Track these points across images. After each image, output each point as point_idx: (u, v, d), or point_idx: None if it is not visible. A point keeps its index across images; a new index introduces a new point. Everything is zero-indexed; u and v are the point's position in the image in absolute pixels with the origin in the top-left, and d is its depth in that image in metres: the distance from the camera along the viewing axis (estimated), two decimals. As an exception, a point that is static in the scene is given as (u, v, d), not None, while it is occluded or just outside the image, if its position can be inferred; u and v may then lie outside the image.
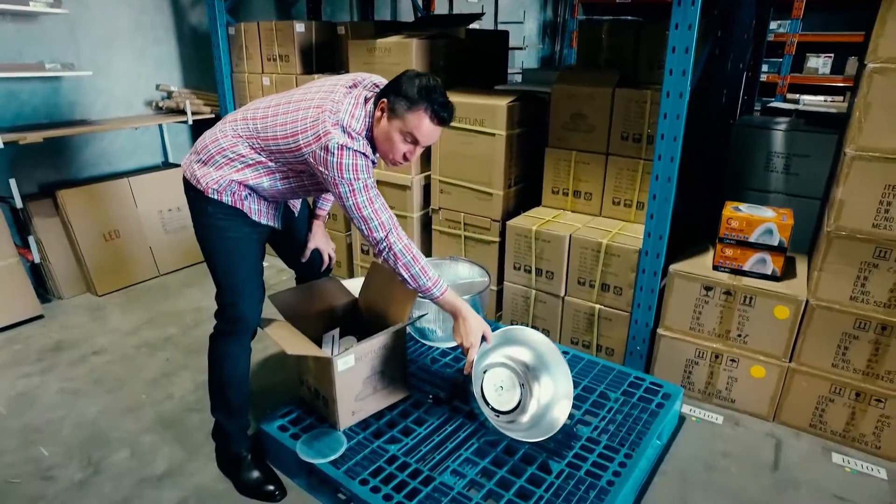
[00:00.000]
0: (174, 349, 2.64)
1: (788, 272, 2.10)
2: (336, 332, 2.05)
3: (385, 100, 1.55)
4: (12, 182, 2.78)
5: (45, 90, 3.01)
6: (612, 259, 2.25)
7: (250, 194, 1.68)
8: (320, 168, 1.54)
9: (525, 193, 2.69)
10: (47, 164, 3.10)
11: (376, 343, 1.84)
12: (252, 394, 2.26)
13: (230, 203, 1.65)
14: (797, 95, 5.00)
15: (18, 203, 2.84)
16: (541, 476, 1.67)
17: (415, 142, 1.57)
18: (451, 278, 2.43)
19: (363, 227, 1.59)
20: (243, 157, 1.64)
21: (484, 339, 1.71)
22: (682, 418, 2.14)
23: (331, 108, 1.53)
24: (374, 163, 1.62)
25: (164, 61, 3.51)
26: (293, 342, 1.76)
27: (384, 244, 1.59)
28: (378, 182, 2.87)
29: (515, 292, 2.57)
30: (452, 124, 2.55)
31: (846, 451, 1.97)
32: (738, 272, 2.09)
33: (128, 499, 1.79)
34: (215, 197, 1.64)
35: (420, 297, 1.71)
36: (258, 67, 3.28)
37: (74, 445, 2.02)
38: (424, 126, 1.54)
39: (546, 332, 2.55)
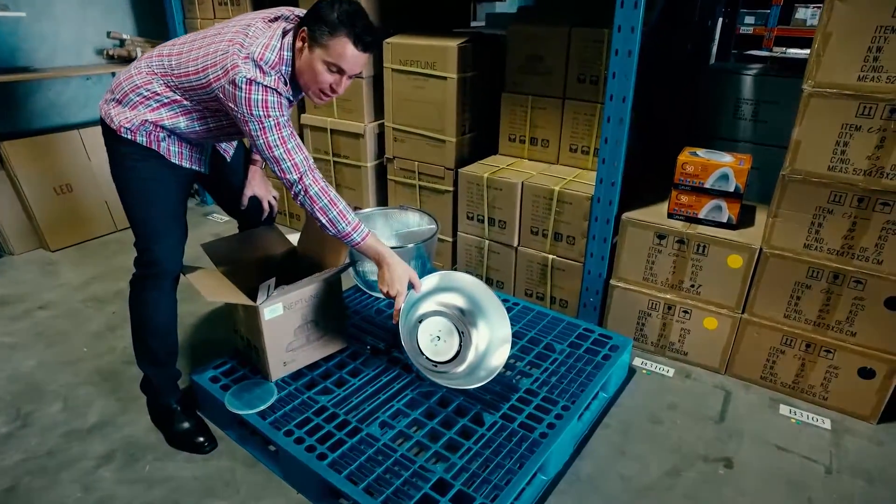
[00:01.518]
0: (123, 303, 2.54)
1: (745, 220, 2.01)
2: (272, 281, 1.95)
3: (305, 29, 1.44)
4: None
5: (-18, 34, 2.85)
6: (564, 207, 2.16)
7: (168, 136, 1.59)
8: (230, 104, 1.45)
9: (481, 141, 2.58)
10: (-11, 114, 2.97)
11: (306, 291, 1.76)
12: (194, 345, 2.23)
13: (145, 144, 1.56)
14: (784, 48, 4.83)
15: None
16: (473, 428, 1.62)
17: (340, 71, 1.47)
18: (399, 227, 2.34)
19: (275, 168, 1.50)
20: (158, 95, 1.54)
21: (412, 286, 1.63)
22: (632, 370, 2.08)
23: (243, 41, 1.43)
24: (290, 100, 1.52)
25: (115, 8, 3.34)
26: (215, 289, 1.68)
27: (299, 186, 1.51)
28: (331, 131, 2.76)
29: (469, 243, 2.48)
30: (405, 68, 2.45)
31: (794, 403, 1.92)
32: (693, 220, 2.01)
33: (52, 452, 1.74)
34: (128, 137, 1.55)
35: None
36: (210, 13, 3.12)
37: (4, 399, 1.96)
38: (348, 53, 1.44)
39: (500, 284, 2.47)
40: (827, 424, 1.82)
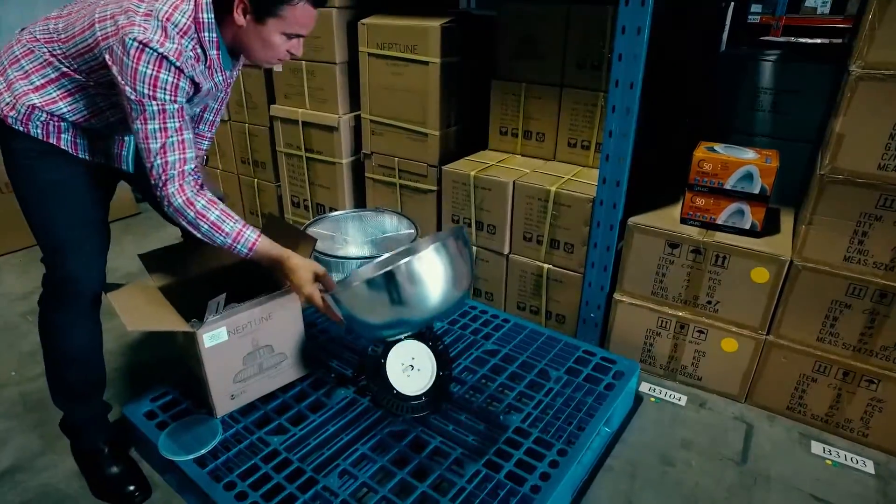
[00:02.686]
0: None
1: (771, 227, 1.74)
2: (221, 298, 1.68)
3: (243, 3, 1.18)
4: None
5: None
6: (562, 210, 1.89)
7: (70, 126, 1.29)
8: (114, 70, 1.14)
9: (469, 135, 2.30)
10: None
11: (257, 312, 1.49)
12: (132, 369, 1.94)
13: (41, 137, 1.26)
14: (792, 38, 4.55)
15: None
16: (451, 480, 1.34)
17: (298, 36, 1.27)
18: (374, 233, 2.06)
19: (145, 163, 1.22)
20: (42, 68, 1.23)
21: (323, 282, 1.38)
22: (639, 398, 1.81)
23: None
24: (197, 84, 1.24)
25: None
26: (142, 313, 1.40)
27: (161, 193, 1.23)
28: (303, 124, 2.47)
29: (456, 251, 2.21)
30: (382, 52, 2.17)
31: (828, 440, 1.65)
32: (711, 226, 1.74)
33: (-48, 506, 1.47)
34: (19, 128, 1.25)
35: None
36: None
37: None
38: (310, 17, 1.24)
39: (489, 296, 2.20)
40: (870, 467, 1.56)
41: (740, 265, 1.65)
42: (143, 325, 1.34)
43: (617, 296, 1.87)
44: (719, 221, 1.72)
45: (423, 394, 1.52)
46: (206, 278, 1.71)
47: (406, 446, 1.44)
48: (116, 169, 1.42)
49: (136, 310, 1.40)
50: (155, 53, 1.11)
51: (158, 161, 1.20)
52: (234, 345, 1.47)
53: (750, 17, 5.02)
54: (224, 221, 1.28)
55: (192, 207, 1.24)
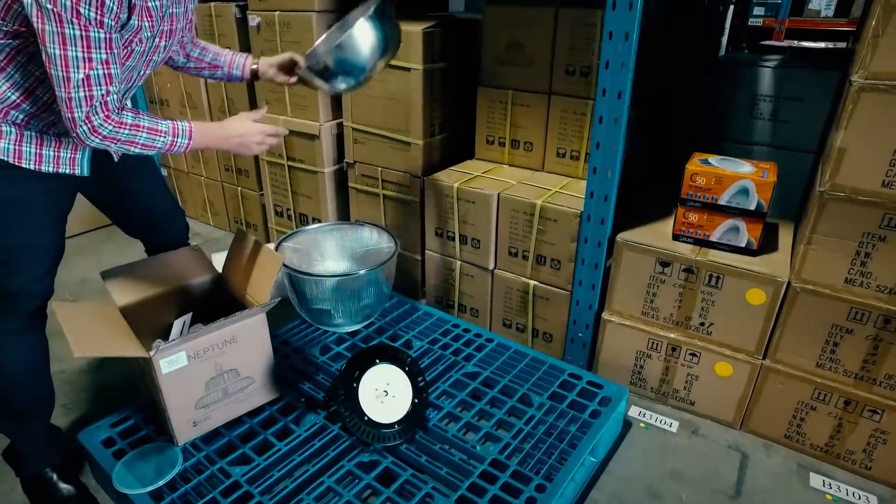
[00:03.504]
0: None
1: (768, 245, 1.65)
2: (187, 317, 1.60)
3: None
4: None
5: None
6: (548, 225, 1.80)
7: (25, 128, 1.18)
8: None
9: (454, 144, 2.21)
10: None
11: (219, 335, 1.40)
12: (90, 390, 1.85)
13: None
14: (795, 42, 4.44)
15: None
16: (420, 516, 1.26)
17: None
18: (355, 246, 1.97)
19: (60, 93, 1.05)
20: None
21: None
22: (627, 423, 1.72)
23: None
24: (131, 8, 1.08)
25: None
26: (92, 336, 1.31)
27: (84, 127, 1.09)
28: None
29: (438, 263, 2.12)
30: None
31: (828, 472, 1.55)
32: (704, 243, 1.64)
33: None
34: None
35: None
36: None
37: None
38: None
39: (475, 312, 2.11)
40: (873, 503, 1.46)
41: (735, 286, 1.55)
42: (92, 351, 1.26)
43: (605, 315, 1.78)
44: (713, 238, 1.63)
45: (397, 422, 1.44)
46: (172, 296, 1.63)
47: (374, 478, 1.35)
48: (72, 179, 1.32)
49: (86, 332, 1.32)
50: None
51: (81, 94, 1.05)
52: (194, 370, 1.39)
53: (752, 20, 4.91)
54: (158, 123, 1.18)
55: (123, 126, 1.13)
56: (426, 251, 2.13)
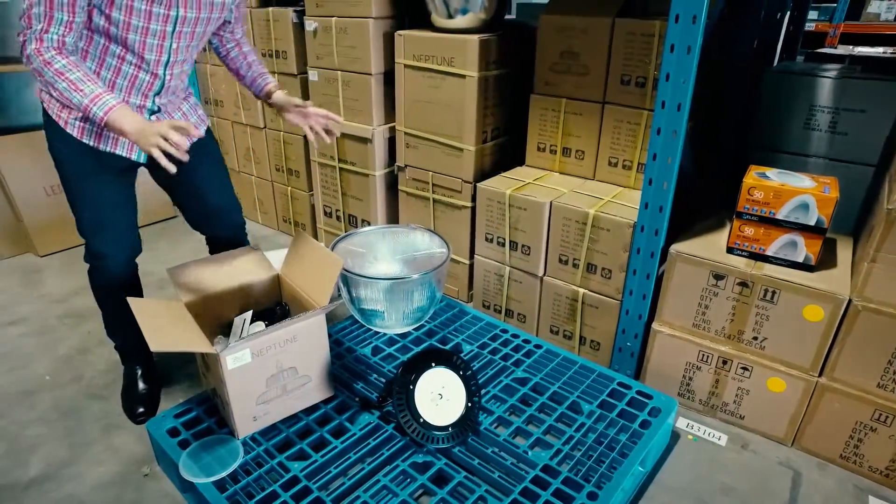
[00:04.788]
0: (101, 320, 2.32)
1: (827, 261, 1.63)
2: (248, 315, 1.67)
3: None
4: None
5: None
6: (600, 234, 1.80)
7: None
8: None
9: (506, 150, 2.24)
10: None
11: (281, 335, 1.46)
12: (168, 379, 1.95)
13: (75, 134, 1.41)
14: (850, 47, 4.30)
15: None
16: (474, 518, 1.29)
17: None
18: (405, 250, 2.02)
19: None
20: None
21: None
22: (675, 435, 1.72)
23: None
24: None
25: None
26: (165, 332, 1.38)
27: (21, 53, 1.24)
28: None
29: (487, 268, 2.15)
30: (419, 64, 2.12)
31: (889, 496, 1.53)
32: (760, 257, 1.63)
33: (-23, 515, 1.48)
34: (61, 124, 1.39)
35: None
36: None
37: (-56, 437, 1.73)
38: None
39: (522, 318, 2.13)
40: (932, 530, 1.43)
41: (792, 301, 1.54)
42: (166, 346, 1.32)
43: (655, 326, 1.78)
44: (769, 253, 1.61)
45: (450, 425, 1.47)
46: (233, 294, 1.70)
47: (429, 479, 1.39)
48: (133, 165, 1.54)
49: (160, 329, 1.39)
50: None
51: (23, 20, 1.21)
52: (257, 367, 1.45)
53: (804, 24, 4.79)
54: (84, 83, 1.25)
55: (49, 66, 1.23)
56: (475, 256, 2.16)
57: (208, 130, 1.71)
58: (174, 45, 1.42)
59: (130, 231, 1.62)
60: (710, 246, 1.70)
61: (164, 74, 1.46)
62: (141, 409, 1.76)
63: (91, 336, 2.20)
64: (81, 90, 1.24)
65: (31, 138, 2.79)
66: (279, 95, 1.67)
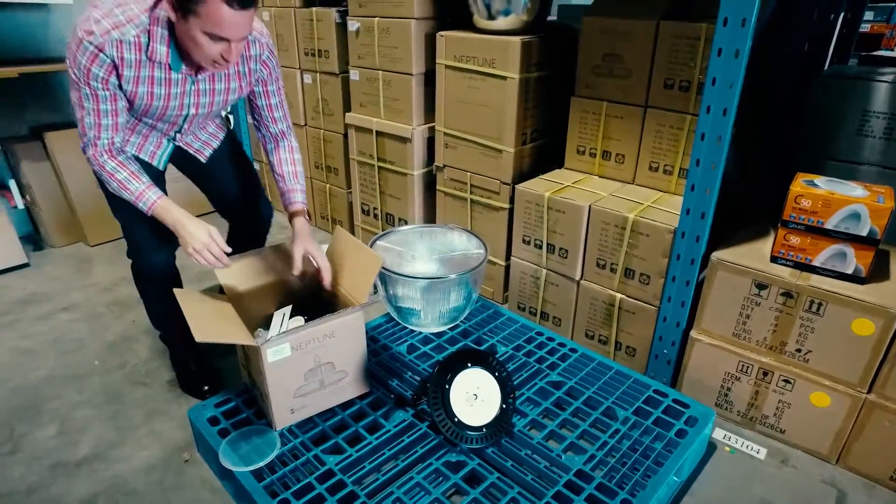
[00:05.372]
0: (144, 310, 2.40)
1: (879, 273, 1.57)
2: (287, 310, 1.70)
3: None
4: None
5: (30, 22, 2.76)
6: (639, 239, 1.78)
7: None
8: None
9: (545, 153, 2.23)
10: (38, 106, 2.89)
11: (320, 330, 1.49)
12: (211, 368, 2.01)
13: None
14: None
15: (-7, 144, 2.65)
16: (505, 519, 1.29)
17: (223, 39, 1.29)
18: (443, 249, 2.03)
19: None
20: None
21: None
22: (712, 446, 1.69)
23: None
24: (116, 70, 1.34)
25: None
26: (208, 323, 1.43)
27: (86, 154, 1.46)
28: (377, 133, 2.48)
29: (524, 270, 2.14)
30: (460, 65, 2.13)
31: (937, 518, 1.47)
32: (805, 267, 1.59)
33: (33, 488, 1.56)
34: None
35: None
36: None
37: (5, 414, 1.81)
38: (225, 17, 1.24)
39: (557, 321, 2.12)
40: (984, 557, 1.37)
41: (839, 314, 1.49)
42: (211, 337, 1.36)
43: (694, 333, 1.75)
44: (816, 263, 1.57)
45: (485, 425, 1.48)
46: (273, 288, 1.74)
47: (461, 479, 1.40)
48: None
49: (204, 319, 1.44)
50: (80, 37, 1.28)
51: (80, 129, 1.42)
52: (296, 360, 1.48)
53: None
54: (129, 183, 1.45)
55: (103, 169, 1.44)
56: (512, 257, 2.16)
57: (228, 133, 1.83)
58: (185, 126, 1.62)
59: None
60: (753, 254, 1.66)
61: (181, 131, 1.65)
62: (206, 387, 1.85)
63: (135, 325, 2.28)
64: (128, 188, 1.45)
65: (84, 132, 2.90)
66: (300, 223, 1.64)
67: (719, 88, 1.48)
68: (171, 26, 1.34)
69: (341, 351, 1.55)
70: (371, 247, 1.90)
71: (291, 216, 1.65)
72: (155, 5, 1.32)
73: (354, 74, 2.50)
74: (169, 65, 1.39)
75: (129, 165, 1.46)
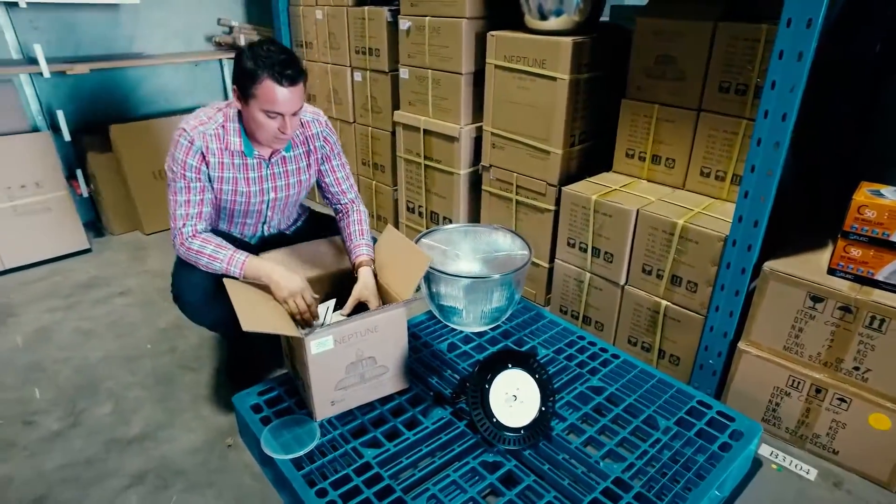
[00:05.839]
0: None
1: (945, 288, 1.49)
2: (331, 303, 1.74)
3: (235, 87, 1.51)
4: (60, 114, 2.73)
5: (101, 21, 2.90)
6: (688, 246, 1.74)
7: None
8: None
9: (593, 155, 2.20)
10: (105, 100, 3.03)
11: (363, 324, 1.51)
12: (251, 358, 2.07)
13: None
14: None
15: (66, 136, 2.79)
16: (541, 523, 1.28)
17: (278, 114, 1.49)
18: (487, 249, 2.03)
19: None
20: None
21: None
22: (757, 462, 1.63)
23: None
24: (204, 158, 1.57)
25: (226, -7, 3.32)
26: (256, 313, 1.47)
27: (175, 244, 1.60)
28: (424, 131, 2.50)
29: (567, 273, 2.12)
30: (509, 65, 2.13)
31: None
32: (867, 281, 1.52)
33: (91, 461, 1.64)
34: None
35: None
36: (312, 0, 2.97)
37: (66, 391, 1.91)
38: (278, 96, 1.46)
39: (599, 326, 2.09)
40: None
41: (901, 331, 1.42)
42: (258, 327, 1.40)
43: (742, 345, 1.70)
44: (879, 277, 1.50)
45: (523, 427, 1.47)
46: (319, 281, 1.77)
47: (498, 479, 1.40)
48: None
49: (252, 310, 1.48)
50: (182, 134, 1.53)
51: (170, 218, 1.60)
52: (338, 353, 1.51)
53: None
54: (218, 253, 1.58)
55: (191, 251, 1.58)
56: (556, 260, 2.14)
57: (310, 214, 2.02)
58: (269, 213, 1.78)
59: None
60: (809, 265, 1.60)
61: (266, 221, 1.82)
62: (251, 376, 1.91)
63: (187, 312, 2.37)
64: (218, 258, 1.57)
65: (144, 126, 3.03)
66: (365, 272, 1.67)
67: (779, 92, 1.43)
68: (240, 118, 1.57)
69: (383, 346, 1.57)
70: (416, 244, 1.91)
71: (357, 266, 1.70)
72: (228, 105, 1.59)
73: (404, 73, 2.52)
74: (243, 152, 1.60)
75: (213, 239, 1.60)
